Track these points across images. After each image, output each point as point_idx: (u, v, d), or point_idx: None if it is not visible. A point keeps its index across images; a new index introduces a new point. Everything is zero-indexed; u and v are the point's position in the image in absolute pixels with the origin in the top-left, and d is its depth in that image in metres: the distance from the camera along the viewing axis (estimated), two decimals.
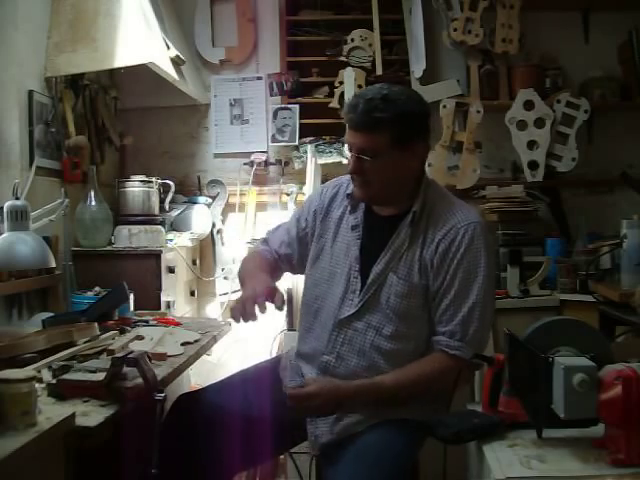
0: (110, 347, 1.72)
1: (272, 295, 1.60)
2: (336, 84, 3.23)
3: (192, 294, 3.09)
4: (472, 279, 1.64)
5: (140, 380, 1.47)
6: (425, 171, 1.79)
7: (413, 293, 1.66)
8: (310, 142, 3.26)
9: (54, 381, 1.46)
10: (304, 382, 1.66)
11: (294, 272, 1.97)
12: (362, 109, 1.62)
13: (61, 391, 1.43)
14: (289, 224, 1.91)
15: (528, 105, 3.10)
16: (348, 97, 3.19)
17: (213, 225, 3.23)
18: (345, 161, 3.24)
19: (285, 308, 1.86)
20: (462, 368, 1.62)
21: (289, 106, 3.30)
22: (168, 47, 2.72)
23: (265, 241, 1.94)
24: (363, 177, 1.67)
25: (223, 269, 3.22)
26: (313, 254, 1.81)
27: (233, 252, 3.26)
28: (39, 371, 1.54)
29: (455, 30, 3.12)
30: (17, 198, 1.91)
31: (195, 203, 3.15)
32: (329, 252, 1.78)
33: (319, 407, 1.60)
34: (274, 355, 2.81)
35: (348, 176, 1.76)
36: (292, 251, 1.87)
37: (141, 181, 2.82)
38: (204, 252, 3.28)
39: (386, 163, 1.64)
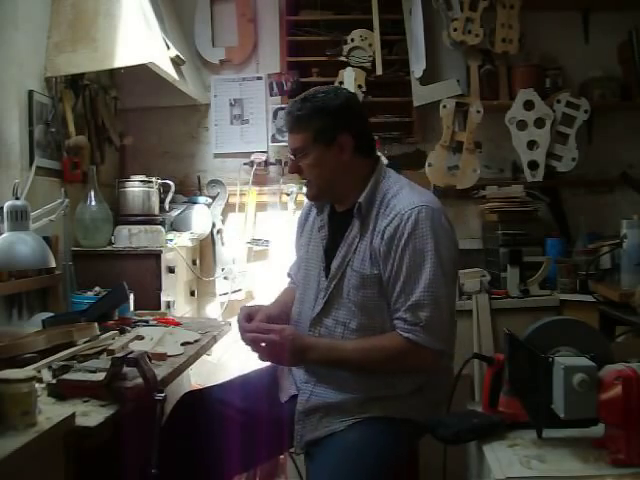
0: (110, 347, 1.72)
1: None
2: (336, 84, 3.23)
3: (192, 294, 3.09)
4: (420, 263, 1.59)
5: (140, 380, 1.47)
6: (379, 162, 1.79)
7: (368, 283, 1.66)
8: None
9: (54, 381, 1.46)
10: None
11: None
12: (286, 112, 1.74)
13: (61, 391, 1.43)
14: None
15: (528, 105, 3.10)
16: None
17: (213, 225, 3.23)
18: None
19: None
20: (423, 354, 1.59)
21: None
22: (168, 47, 2.72)
23: (289, 275, 2.04)
24: (303, 177, 1.76)
25: (223, 269, 3.22)
26: (299, 264, 1.91)
27: (233, 252, 3.26)
28: (39, 371, 1.53)
29: (455, 30, 3.12)
30: (17, 198, 1.91)
31: (195, 203, 3.15)
32: (305, 257, 1.86)
33: (280, 348, 1.61)
34: None
35: None
36: None
37: (141, 181, 2.82)
38: (204, 252, 3.28)
39: (316, 159, 1.70)
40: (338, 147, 1.69)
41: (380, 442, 1.58)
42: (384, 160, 1.83)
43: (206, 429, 1.71)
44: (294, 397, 1.73)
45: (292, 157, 1.75)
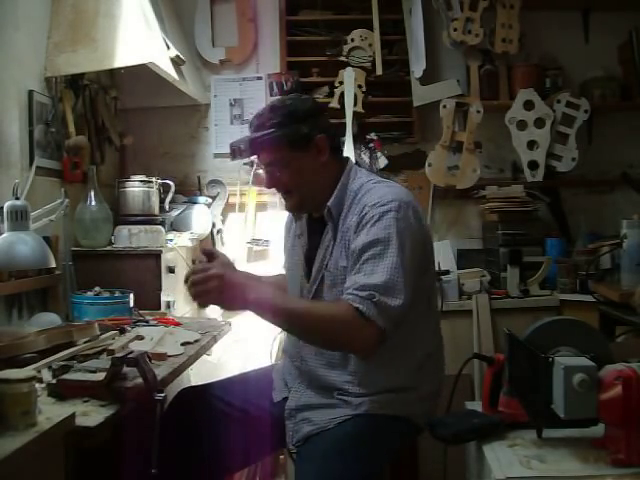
0: (110, 347, 1.71)
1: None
2: (336, 84, 3.23)
3: None
4: (381, 251, 1.55)
5: (140, 380, 1.47)
6: (348, 162, 1.77)
7: (339, 280, 1.64)
8: None
9: (54, 381, 1.46)
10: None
11: None
12: (255, 125, 1.69)
13: (61, 391, 1.43)
14: None
15: (528, 105, 3.11)
16: (348, 97, 3.20)
17: (213, 225, 3.22)
18: None
19: None
20: (368, 330, 1.51)
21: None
22: (168, 47, 2.72)
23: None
24: (282, 189, 1.73)
25: None
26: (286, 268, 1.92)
27: (233, 252, 3.26)
28: (39, 371, 1.53)
29: (455, 30, 3.12)
30: (17, 198, 1.91)
31: (195, 203, 3.15)
32: (289, 265, 1.87)
33: (219, 290, 1.48)
34: (274, 355, 2.83)
35: None
36: None
37: (141, 181, 2.82)
38: None
39: (296, 167, 1.68)
40: (316, 149, 1.68)
41: (369, 440, 1.58)
42: (353, 160, 1.81)
43: (202, 425, 1.72)
44: (287, 397, 1.74)
45: (266, 169, 1.72)
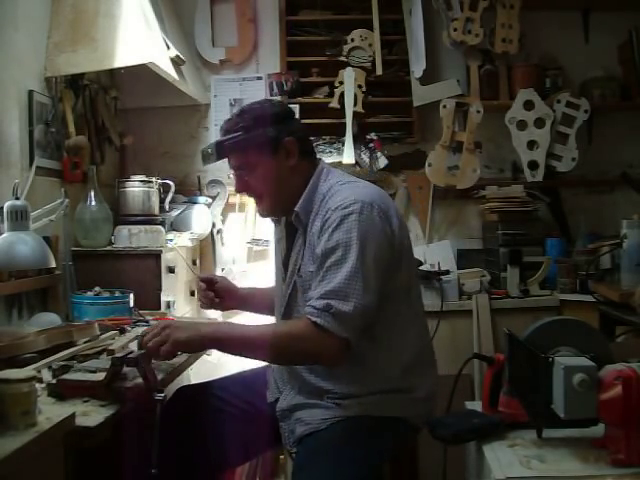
0: (110, 347, 1.72)
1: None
2: (336, 84, 3.23)
3: (192, 294, 3.09)
4: (342, 256, 1.54)
5: (140, 380, 1.47)
6: (320, 164, 1.74)
7: (308, 285, 1.63)
8: None
9: (54, 381, 1.46)
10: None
11: None
12: (224, 129, 1.70)
13: (61, 391, 1.43)
14: None
15: (528, 105, 3.11)
16: (348, 97, 3.20)
17: (213, 225, 3.22)
18: (345, 161, 3.26)
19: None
20: (329, 340, 1.50)
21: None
22: (168, 47, 2.72)
23: None
24: (252, 193, 1.73)
25: (223, 269, 3.22)
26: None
27: (233, 252, 3.26)
28: (39, 371, 1.54)
29: (455, 30, 3.12)
30: (17, 198, 1.91)
31: (195, 203, 3.15)
32: (275, 271, 1.87)
33: (173, 333, 1.50)
34: None
35: None
36: None
37: (141, 181, 2.82)
38: (204, 252, 3.28)
39: (265, 170, 1.67)
40: (285, 152, 1.67)
41: (361, 441, 1.57)
42: (325, 161, 1.80)
43: (198, 422, 1.73)
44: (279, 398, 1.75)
45: (235, 174, 1.73)
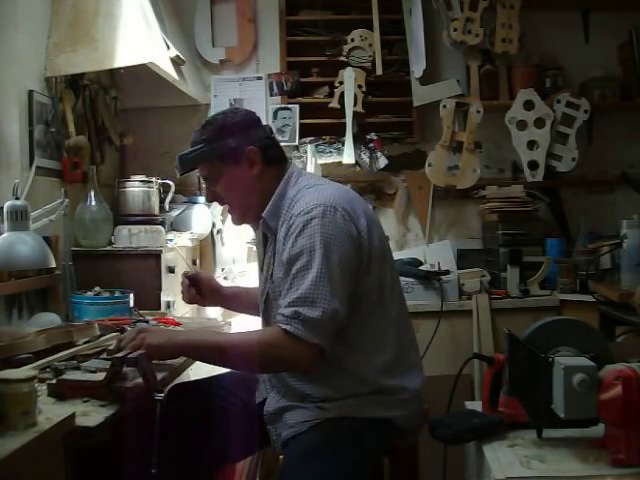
0: (110, 347, 1.71)
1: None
2: (336, 84, 3.24)
3: None
4: (307, 262, 1.53)
5: (140, 380, 1.47)
6: (289, 170, 1.73)
7: (279, 291, 1.63)
8: (310, 142, 3.27)
9: (54, 381, 1.46)
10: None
11: None
12: (191, 141, 1.72)
13: (61, 391, 1.43)
14: None
15: (528, 105, 3.11)
16: (348, 97, 3.20)
17: (213, 225, 3.22)
18: (345, 161, 3.26)
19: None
20: (300, 347, 1.50)
21: (289, 106, 3.31)
22: (168, 47, 2.72)
23: None
24: (221, 202, 1.76)
25: (223, 269, 3.22)
26: None
27: (233, 252, 3.26)
28: (40, 370, 1.53)
29: (455, 30, 3.12)
30: (17, 198, 1.91)
31: (195, 203, 3.14)
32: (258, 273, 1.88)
33: (147, 337, 1.53)
34: None
35: None
36: None
37: (141, 181, 2.82)
38: (204, 252, 3.28)
39: (230, 180, 1.69)
40: (248, 162, 1.67)
41: (345, 442, 1.56)
42: (296, 165, 1.79)
43: (193, 419, 1.73)
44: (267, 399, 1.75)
45: (206, 186, 1.76)
